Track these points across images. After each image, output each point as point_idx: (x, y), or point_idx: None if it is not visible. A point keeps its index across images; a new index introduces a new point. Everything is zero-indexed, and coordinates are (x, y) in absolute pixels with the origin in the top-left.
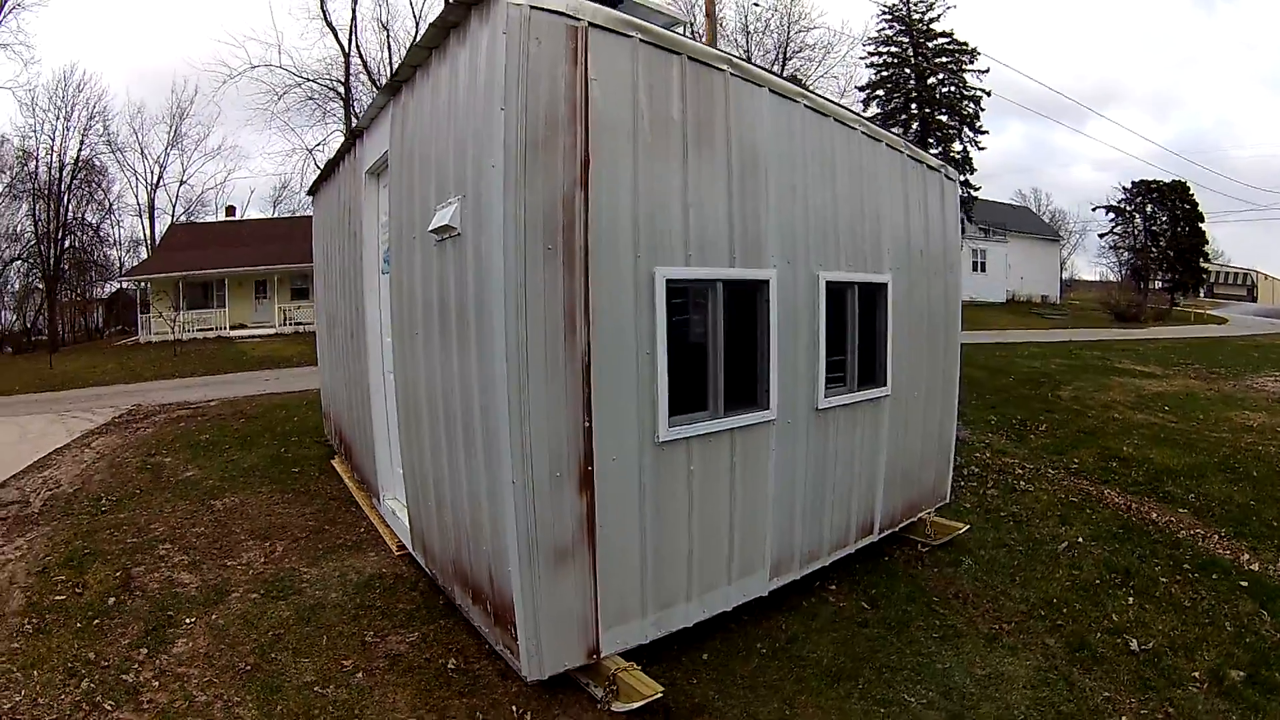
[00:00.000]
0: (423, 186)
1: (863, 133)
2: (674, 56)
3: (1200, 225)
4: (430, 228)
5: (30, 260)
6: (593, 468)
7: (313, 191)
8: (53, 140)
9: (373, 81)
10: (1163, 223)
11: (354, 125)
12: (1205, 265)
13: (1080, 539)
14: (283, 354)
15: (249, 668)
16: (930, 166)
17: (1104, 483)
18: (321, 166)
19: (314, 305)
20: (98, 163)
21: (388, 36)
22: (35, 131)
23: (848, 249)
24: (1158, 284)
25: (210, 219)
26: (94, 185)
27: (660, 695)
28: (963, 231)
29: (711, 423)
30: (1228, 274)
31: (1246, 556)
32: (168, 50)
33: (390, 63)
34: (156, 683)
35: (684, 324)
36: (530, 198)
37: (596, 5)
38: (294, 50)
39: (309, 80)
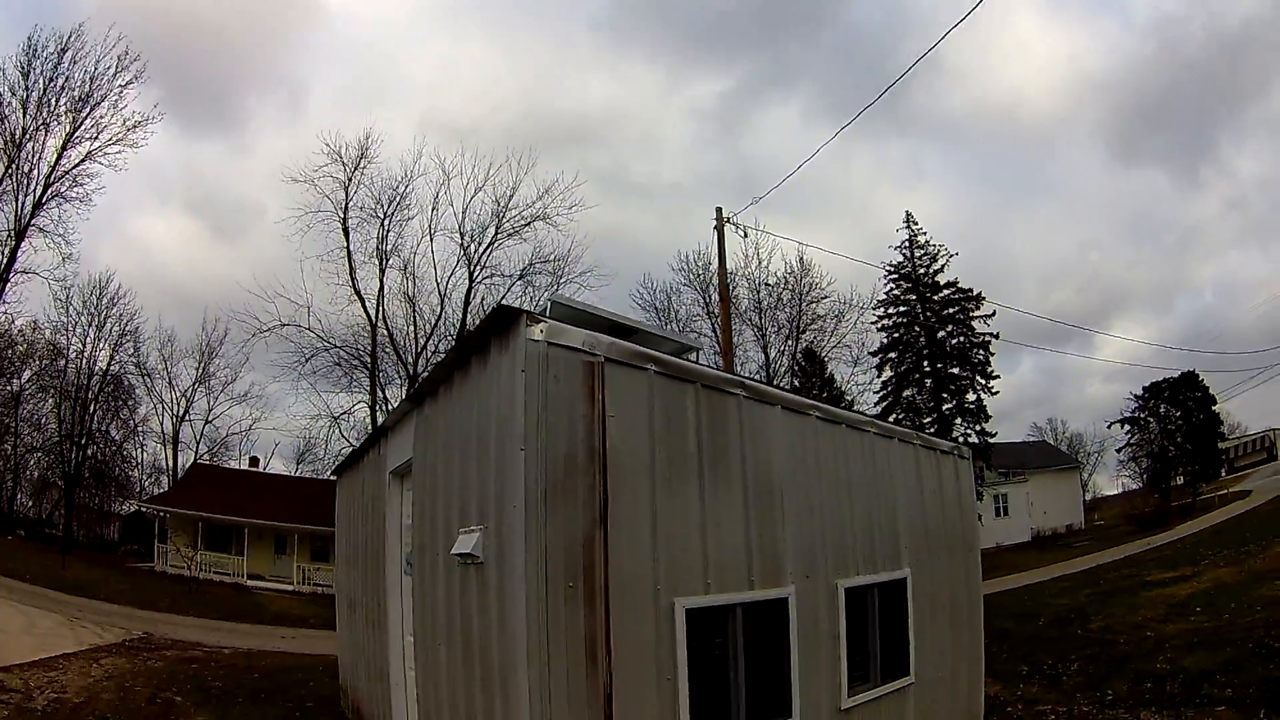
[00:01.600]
0: (446, 504)
1: (875, 433)
2: (688, 385)
3: (1214, 409)
4: (454, 551)
5: (51, 455)
6: None
7: (338, 473)
8: (84, 345)
9: (398, 354)
10: (1177, 419)
11: (380, 423)
12: (1221, 445)
13: None
14: (299, 613)
15: None
16: (943, 451)
17: (1139, 705)
18: (348, 448)
19: (334, 579)
20: (126, 381)
21: (413, 311)
22: (67, 330)
23: (865, 552)
24: (1180, 479)
25: (233, 464)
26: (120, 402)
27: None
28: (981, 480)
29: None
30: (1246, 443)
31: None
32: (199, 281)
33: (415, 338)
34: None
35: (706, 645)
36: (552, 537)
37: (611, 339)
38: (323, 314)
39: (336, 346)
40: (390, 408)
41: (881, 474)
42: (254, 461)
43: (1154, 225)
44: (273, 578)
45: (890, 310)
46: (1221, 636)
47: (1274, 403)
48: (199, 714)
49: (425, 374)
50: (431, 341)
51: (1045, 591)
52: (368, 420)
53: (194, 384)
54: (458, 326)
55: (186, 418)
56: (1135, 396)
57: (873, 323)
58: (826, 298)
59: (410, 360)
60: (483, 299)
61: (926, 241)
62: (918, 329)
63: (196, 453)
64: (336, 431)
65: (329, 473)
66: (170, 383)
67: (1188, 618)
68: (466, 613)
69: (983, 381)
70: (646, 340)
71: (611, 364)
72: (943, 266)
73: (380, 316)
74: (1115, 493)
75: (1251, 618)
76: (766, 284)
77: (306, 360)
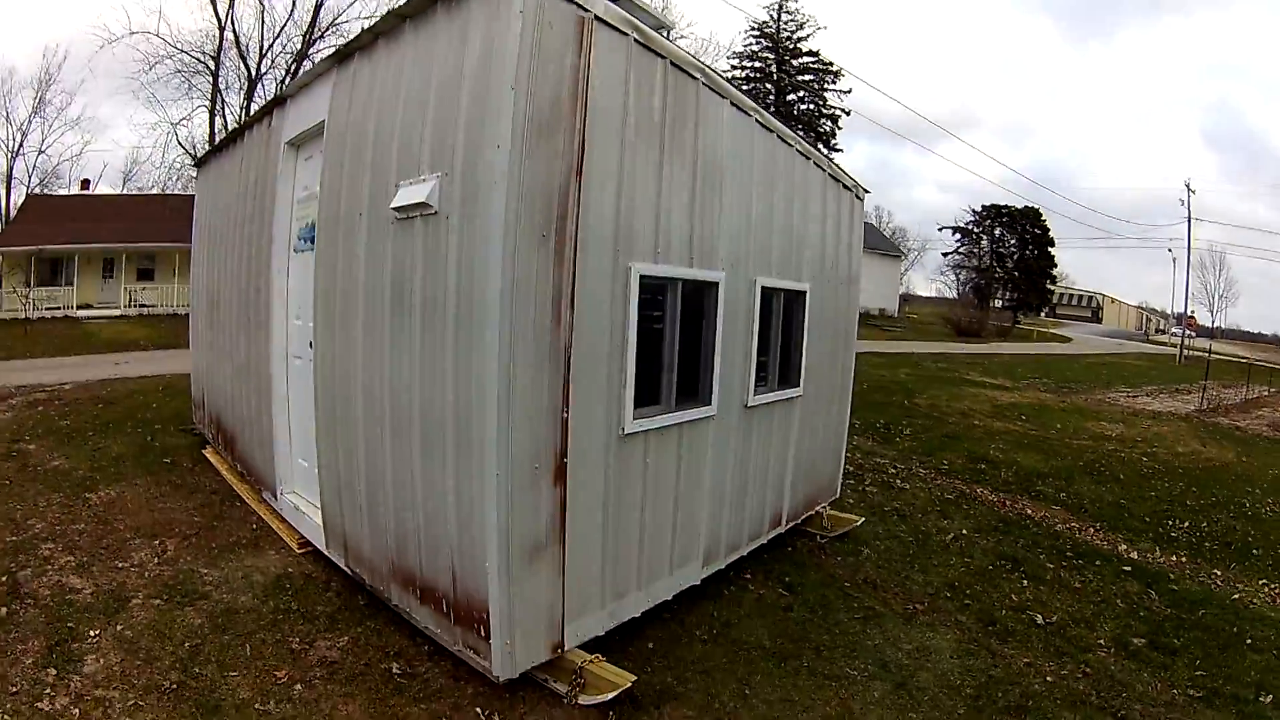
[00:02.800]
0: (378, 162)
1: (797, 150)
2: (659, 60)
3: (1050, 250)
4: (395, 204)
5: None
6: (567, 460)
7: (201, 163)
8: None
9: (242, 58)
10: (1011, 245)
11: (277, 94)
12: (1050, 287)
13: (964, 531)
14: (130, 336)
15: (174, 686)
16: (845, 186)
17: (975, 482)
18: (188, 160)
19: (191, 285)
20: None
21: (262, 9)
22: None
23: (779, 258)
24: (999, 302)
25: (63, 192)
26: None
27: (632, 684)
28: None
29: (665, 416)
30: (1073, 295)
31: (1124, 547)
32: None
33: (263, 40)
34: (76, 710)
35: (648, 320)
36: (530, 183)
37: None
38: (175, 18)
39: (182, 51)
40: (233, 113)
41: (798, 189)
42: (84, 184)
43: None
44: (100, 304)
45: (745, 64)
46: (1050, 448)
47: (1106, 273)
48: (55, 458)
49: (364, 29)
50: (279, 42)
51: (865, 362)
52: (206, 128)
53: (30, 115)
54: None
55: (21, 152)
56: (973, 210)
57: (725, 72)
58: (684, 38)
59: (254, 62)
60: None
61: (797, 9)
62: (770, 86)
63: (29, 186)
64: (175, 140)
65: (157, 188)
66: (7, 118)
67: (1013, 421)
68: (405, 277)
69: (825, 152)
70: (630, 9)
71: (599, 23)
72: (809, 35)
73: (229, 19)
74: (929, 294)
75: (1080, 443)
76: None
77: (150, 68)
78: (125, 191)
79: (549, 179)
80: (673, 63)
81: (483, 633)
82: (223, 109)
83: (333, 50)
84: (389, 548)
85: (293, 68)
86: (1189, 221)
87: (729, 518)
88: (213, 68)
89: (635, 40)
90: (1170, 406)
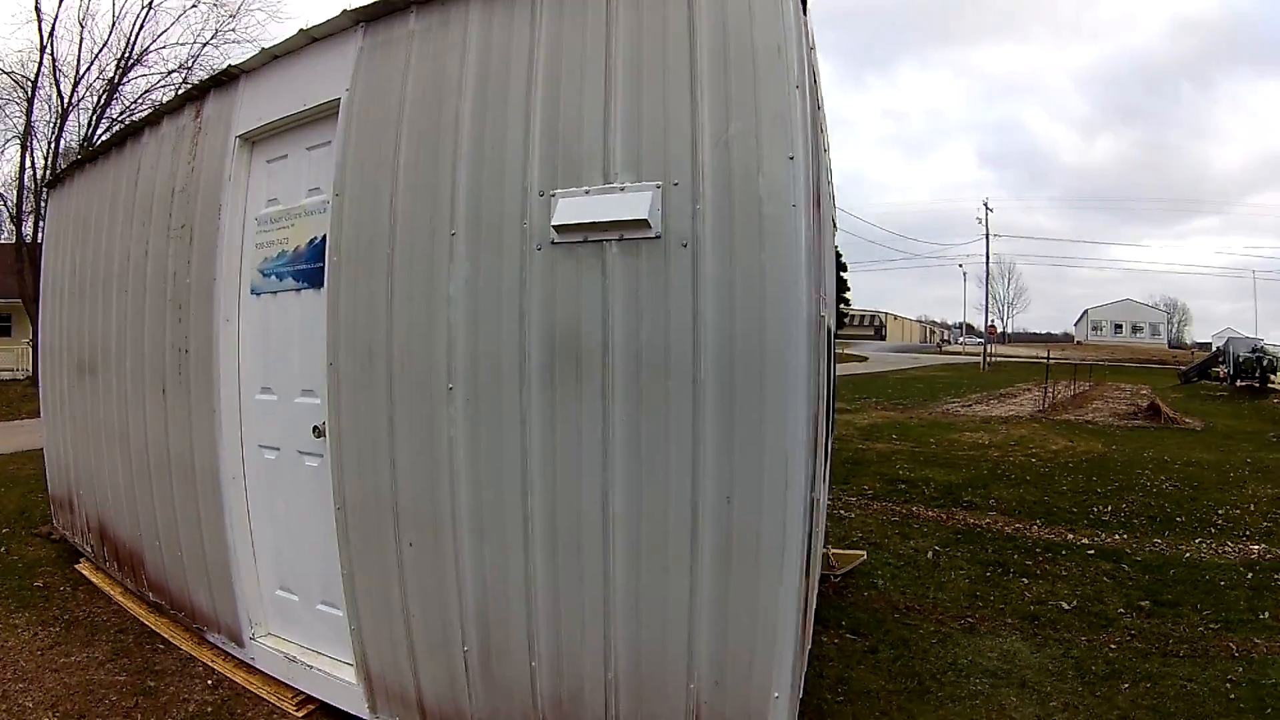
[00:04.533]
0: (487, 156)
1: None
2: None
3: (843, 274)
4: (555, 220)
5: None
6: None
7: (57, 184)
8: None
9: (56, 85)
10: None
11: (225, 67)
12: (844, 309)
13: (937, 548)
14: None
15: None
16: None
17: (907, 502)
18: (21, 178)
19: (41, 342)
20: None
21: (82, 31)
22: None
23: None
24: None
25: None
26: None
27: None
28: None
29: None
30: (855, 315)
31: (1071, 536)
32: None
33: (79, 65)
34: None
35: None
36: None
37: None
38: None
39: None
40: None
41: None
42: None
43: None
44: None
45: None
46: (947, 462)
47: (883, 291)
48: None
49: None
50: (98, 65)
51: None
52: (17, 161)
53: None
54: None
55: None
56: None
57: None
58: None
59: (68, 90)
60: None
61: None
62: None
63: None
64: None
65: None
66: None
67: (889, 440)
68: (575, 322)
69: None
70: None
71: None
72: None
73: (51, 40)
74: None
75: (966, 454)
76: None
77: None
78: None
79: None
80: None
81: None
82: (34, 136)
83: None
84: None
85: (100, 100)
86: (987, 238)
87: None
88: (29, 93)
89: None
90: (1010, 410)
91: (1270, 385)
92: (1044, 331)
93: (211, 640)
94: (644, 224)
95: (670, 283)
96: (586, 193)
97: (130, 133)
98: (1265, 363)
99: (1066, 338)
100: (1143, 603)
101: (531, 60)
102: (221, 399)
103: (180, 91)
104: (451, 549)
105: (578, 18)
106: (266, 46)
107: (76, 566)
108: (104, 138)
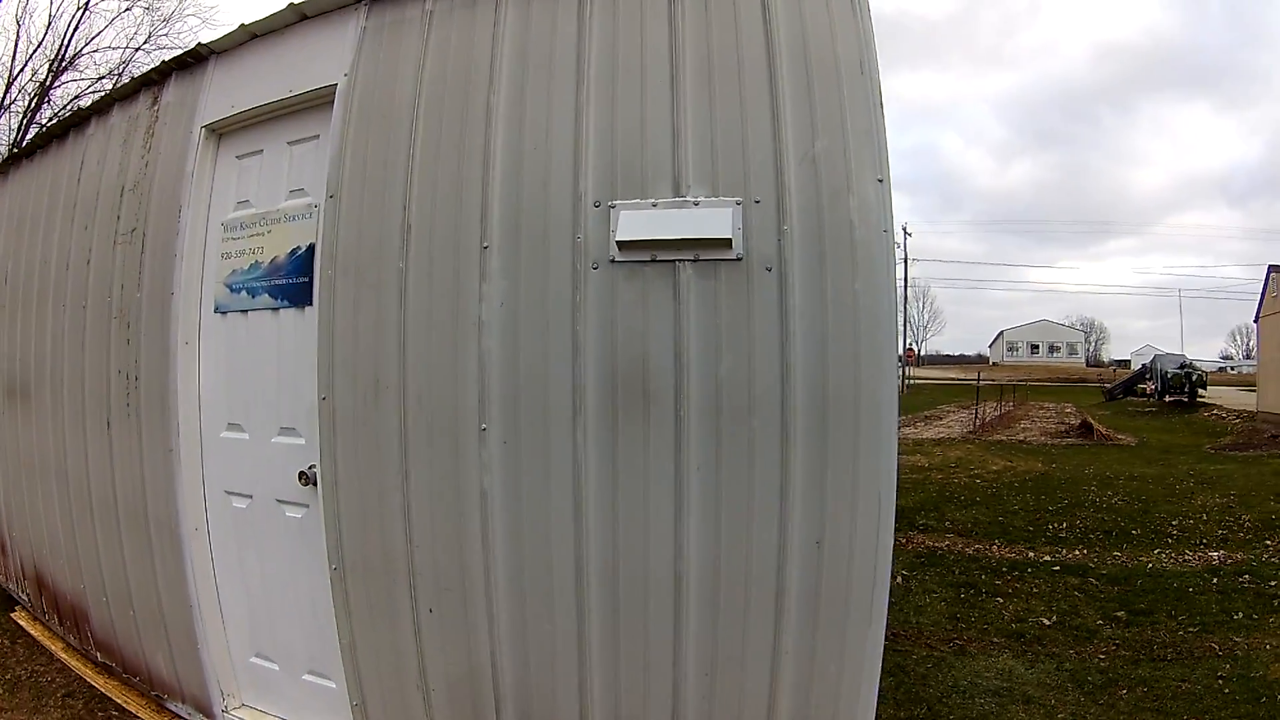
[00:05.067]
0: (528, 157)
1: None
2: None
3: None
4: (619, 235)
5: None
6: None
7: None
8: None
9: None
10: None
11: (196, 47)
12: None
13: (905, 572)
14: None
15: None
16: None
17: None
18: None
19: None
20: None
21: (19, 30)
22: None
23: None
24: None
25: None
26: None
27: None
28: None
29: None
30: None
31: (1033, 554)
32: None
33: (14, 62)
34: None
35: None
36: None
37: None
38: None
39: None
40: None
41: None
42: None
43: None
44: None
45: None
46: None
47: None
48: None
49: None
50: (30, 67)
51: None
52: None
53: None
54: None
55: None
56: None
57: None
58: None
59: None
60: None
61: None
62: None
63: None
64: None
65: None
66: None
67: None
68: (641, 352)
69: None
70: None
71: None
72: None
73: None
74: None
75: (912, 477)
76: None
77: None
78: None
79: None
80: None
81: None
82: None
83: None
84: None
85: (31, 103)
86: (905, 262)
87: None
88: None
89: None
90: (940, 433)
91: (1200, 399)
92: (958, 354)
93: (173, 709)
94: (726, 244)
95: (753, 310)
96: (654, 205)
97: (74, 123)
98: (1194, 378)
99: (981, 359)
100: (1119, 613)
101: (581, 55)
102: (180, 436)
103: (146, 71)
104: (484, 616)
105: (634, 14)
106: (245, 23)
107: (12, 615)
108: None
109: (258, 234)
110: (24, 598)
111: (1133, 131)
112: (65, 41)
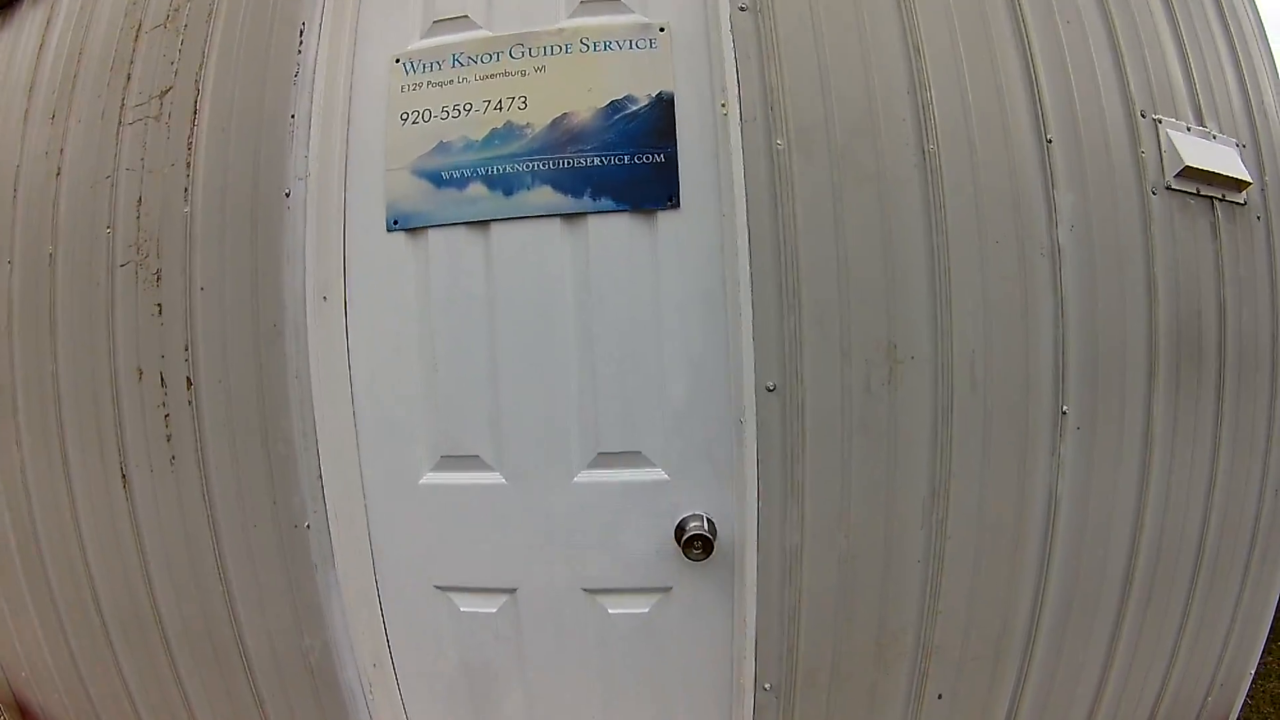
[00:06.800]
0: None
1: None
2: None
3: None
4: (1195, 162)
5: None
6: None
7: None
8: None
9: None
10: None
11: None
12: None
13: None
14: None
15: None
16: None
17: None
18: None
19: None
20: None
21: None
22: None
23: None
24: None
25: None
26: None
27: None
28: None
29: None
30: None
31: None
32: None
33: None
34: None
35: None
36: None
37: None
38: None
39: None
40: None
41: None
42: None
43: None
44: None
45: None
46: None
47: None
48: None
49: None
50: None
51: None
52: None
53: None
54: None
55: None
56: None
57: None
58: None
59: None
60: None
61: None
62: None
63: None
64: None
65: None
66: None
67: None
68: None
69: None
70: None
71: None
72: None
73: None
74: None
75: None
76: None
77: None
78: None
79: None
80: None
81: None
82: None
83: None
84: None
85: None
86: None
87: None
88: None
89: None
90: None
91: None
92: None
93: None
94: (1242, 187)
95: (1257, 260)
96: (1189, 130)
97: None
98: None
99: None
100: None
101: None
102: (324, 497)
103: None
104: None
105: None
106: None
107: None
108: None
109: (506, 76)
110: None
111: None
112: None
